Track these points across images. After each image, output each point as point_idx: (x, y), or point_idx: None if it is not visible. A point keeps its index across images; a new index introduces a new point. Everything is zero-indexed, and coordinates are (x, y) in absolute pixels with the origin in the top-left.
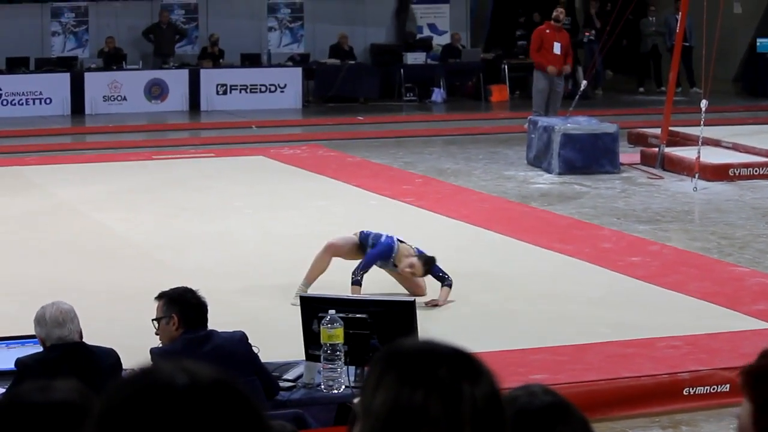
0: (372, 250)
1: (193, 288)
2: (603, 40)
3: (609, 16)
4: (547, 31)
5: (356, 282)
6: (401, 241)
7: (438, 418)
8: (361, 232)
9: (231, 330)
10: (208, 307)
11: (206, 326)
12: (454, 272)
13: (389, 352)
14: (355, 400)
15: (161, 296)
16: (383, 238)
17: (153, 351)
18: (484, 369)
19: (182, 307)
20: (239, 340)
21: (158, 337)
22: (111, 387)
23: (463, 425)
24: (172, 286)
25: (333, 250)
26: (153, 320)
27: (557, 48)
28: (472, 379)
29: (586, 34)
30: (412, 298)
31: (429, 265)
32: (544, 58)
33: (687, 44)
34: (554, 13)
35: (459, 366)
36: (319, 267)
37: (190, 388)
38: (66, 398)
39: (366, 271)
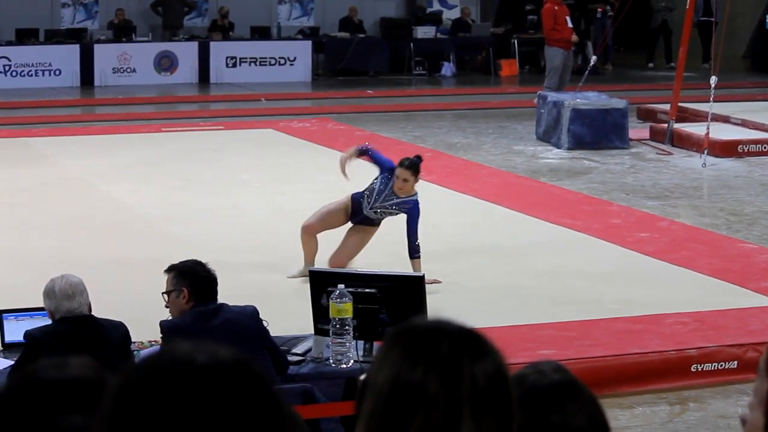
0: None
1: (203, 261)
2: (613, 15)
3: None
4: (556, 7)
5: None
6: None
7: (437, 396)
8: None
9: (242, 304)
10: (218, 281)
11: (216, 299)
12: (463, 247)
13: (397, 329)
14: (362, 376)
15: (171, 269)
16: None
17: (163, 324)
18: (489, 347)
19: (192, 280)
20: (250, 315)
21: (168, 310)
22: (129, 364)
23: (462, 404)
24: (182, 259)
25: (321, 224)
26: (163, 293)
27: (569, 22)
28: (475, 357)
29: (600, 9)
30: (421, 273)
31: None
32: (562, 34)
33: (711, 19)
34: None
35: (462, 344)
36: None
37: (210, 367)
38: (82, 374)
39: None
